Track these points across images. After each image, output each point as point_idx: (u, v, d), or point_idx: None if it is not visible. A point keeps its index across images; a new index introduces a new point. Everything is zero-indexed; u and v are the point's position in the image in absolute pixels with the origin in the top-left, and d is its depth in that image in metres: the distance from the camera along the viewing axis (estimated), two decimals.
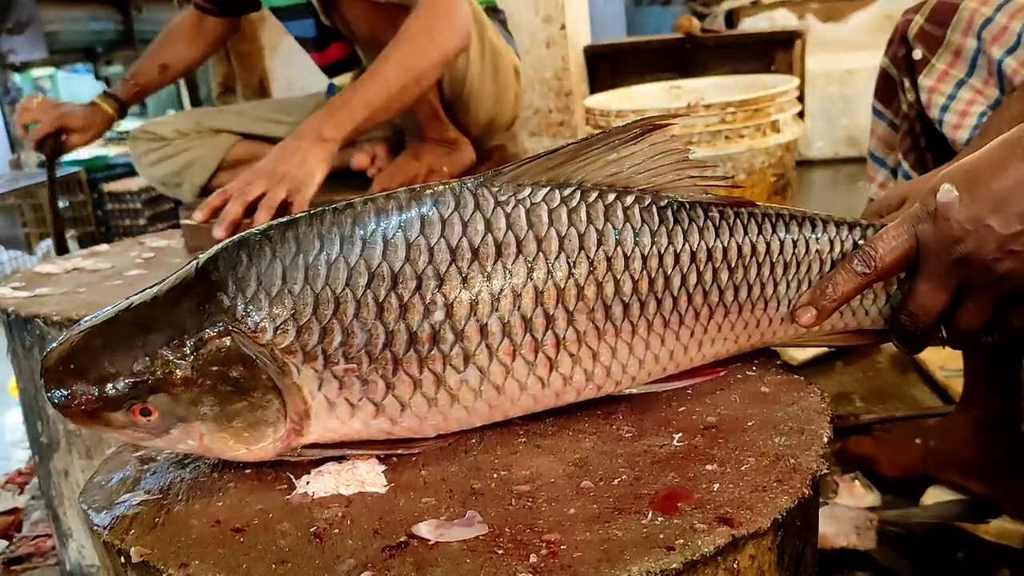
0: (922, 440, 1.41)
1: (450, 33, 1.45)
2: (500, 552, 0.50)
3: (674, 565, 0.48)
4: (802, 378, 0.71)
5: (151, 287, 0.61)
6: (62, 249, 2.05)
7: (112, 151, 4.16)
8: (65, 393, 0.58)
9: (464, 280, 0.60)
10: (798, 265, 0.69)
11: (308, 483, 0.59)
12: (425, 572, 0.49)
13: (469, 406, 0.61)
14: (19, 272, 1.52)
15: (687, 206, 0.66)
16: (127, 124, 2.91)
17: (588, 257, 0.62)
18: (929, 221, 0.65)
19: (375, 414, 0.60)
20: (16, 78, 5.18)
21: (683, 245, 0.65)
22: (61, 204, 3.33)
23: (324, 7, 1.60)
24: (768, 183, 2.11)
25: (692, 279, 0.65)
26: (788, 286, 0.69)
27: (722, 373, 0.71)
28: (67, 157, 2.42)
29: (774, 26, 3.83)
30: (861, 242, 0.69)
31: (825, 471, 0.57)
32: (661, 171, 0.65)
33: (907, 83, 1.16)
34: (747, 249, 0.67)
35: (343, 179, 1.74)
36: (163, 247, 1.48)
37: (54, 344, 0.59)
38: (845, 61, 3.73)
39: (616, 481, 0.57)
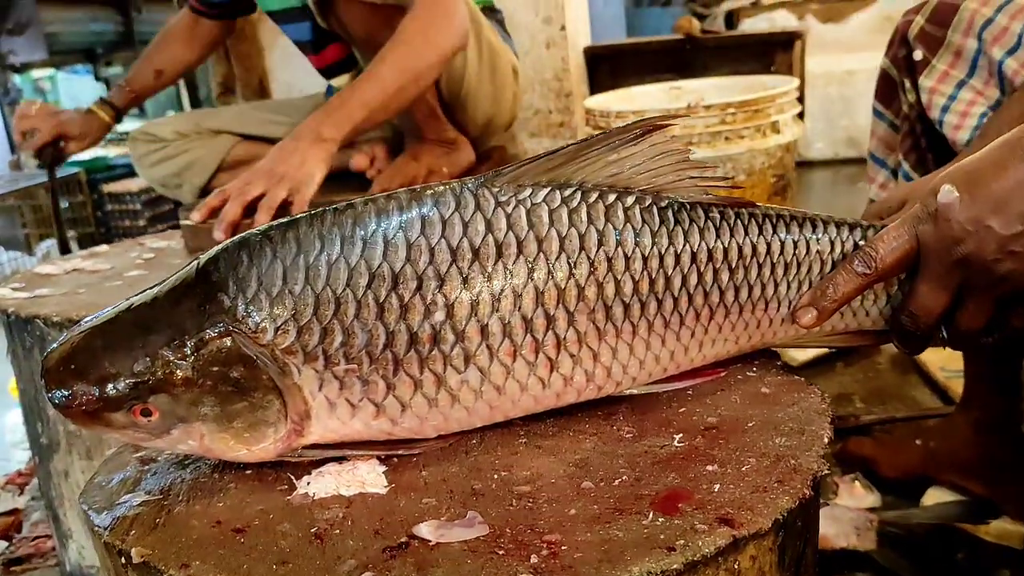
0: (922, 441, 1.41)
1: (447, 33, 1.45)
2: (501, 553, 0.50)
3: (675, 566, 0.48)
4: (802, 379, 0.71)
5: (152, 288, 0.61)
6: (67, 252, 2.06)
7: (112, 152, 4.16)
8: (66, 394, 0.58)
9: (465, 280, 0.60)
10: (799, 266, 0.69)
11: (309, 484, 0.59)
12: (426, 573, 0.49)
13: (470, 407, 0.61)
14: (19, 273, 1.52)
15: (687, 207, 0.66)
16: (127, 125, 2.91)
17: (589, 258, 0.62)
18: (930, 222, 0.65)
19: (376, 415, 0.60)
20: (16, 79, 5.17)
21: (683, 246, 0.65)
22: (61, 205, 3.33)
23: (320, 9, 1.60)
24: (768, 184, 2.11)
25: (693, 280, 0.65)
26: (789, 287, 0.69)
27: (723, 374, 0.71)
28: None
29: (774, 27, 3.83)
30: (862, 243, 0.69)
31: (826, 472, 0.57)
32: (661, 172, 0.66)
33: (908, 84, 1.16)
34: (748, 250, 0.67)
35: (342, 180, 1.73)
36: (163, 248, 1.48)
37: (55, 345, 0.60)
38: (845, 62, 3.73)
39: (617, 482, 0.57)
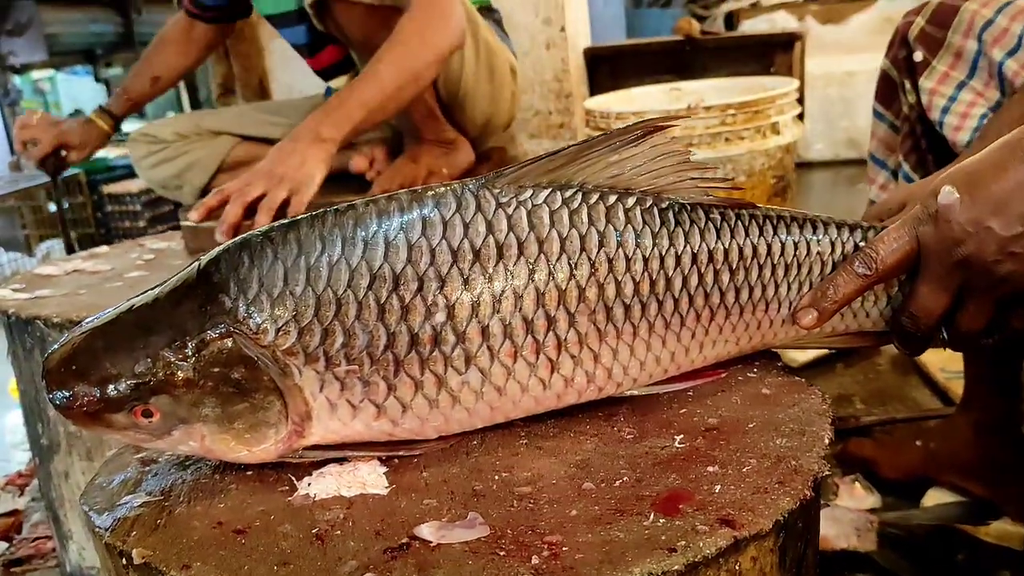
0: (923, 442, 1.41)
1: (444, 33, 1.45)
2: (502, 554, 0.50)
3: (676, 567, 0.48)
4: (803, 380, 0.71)
5: (152, 289, 0.61)
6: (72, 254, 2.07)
7: (112, 153, 4.16)
8: (67, 395, 0.58)
9: (466, 281, 0.60)
10: (799, 267, 0.69)
11: (310, 484, 0.59)
12: (427, 574, 0.49)
13: (471, 407, 0.61)
14: (19, 274, 1.52)
15: (688, 208, 0.66)
16: (127, 127, 2.91)
17: (589, 259, 0.62)
18: (930, 223, 0.65)
19: (377, 415, 0.60)
20: (16, 80, 5.18)
21: (684, 247, 0.65)
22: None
23: (317, 12, 1.60)
24: (768, 185, 2.11)
25: (693, 281, 0.65)
26: (789, 288, 0.69)
27: (723, 375, 0.71)
28: None
29: (774, 28, 3.84)
30: (862, 244, 0.69)
31: (826, 473, 0.57)
32: (662, 173, 0.66)
33: (908, 85, 1.16)
34: (748, 251, 0.67)
35: (342, 182, 1.73)
36: (163, 249, 1.48)
37: (55, 346, 0.60)
38: (845, 63, 3.73)
39: (618, 483, 0.57)
